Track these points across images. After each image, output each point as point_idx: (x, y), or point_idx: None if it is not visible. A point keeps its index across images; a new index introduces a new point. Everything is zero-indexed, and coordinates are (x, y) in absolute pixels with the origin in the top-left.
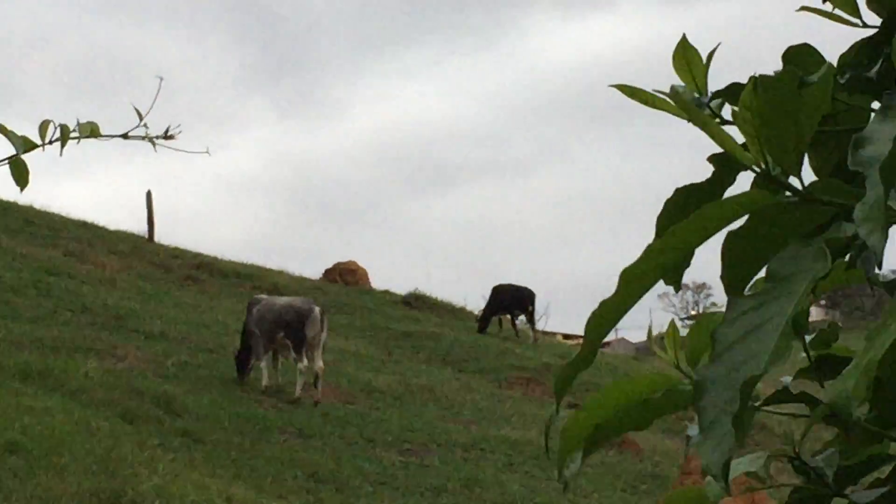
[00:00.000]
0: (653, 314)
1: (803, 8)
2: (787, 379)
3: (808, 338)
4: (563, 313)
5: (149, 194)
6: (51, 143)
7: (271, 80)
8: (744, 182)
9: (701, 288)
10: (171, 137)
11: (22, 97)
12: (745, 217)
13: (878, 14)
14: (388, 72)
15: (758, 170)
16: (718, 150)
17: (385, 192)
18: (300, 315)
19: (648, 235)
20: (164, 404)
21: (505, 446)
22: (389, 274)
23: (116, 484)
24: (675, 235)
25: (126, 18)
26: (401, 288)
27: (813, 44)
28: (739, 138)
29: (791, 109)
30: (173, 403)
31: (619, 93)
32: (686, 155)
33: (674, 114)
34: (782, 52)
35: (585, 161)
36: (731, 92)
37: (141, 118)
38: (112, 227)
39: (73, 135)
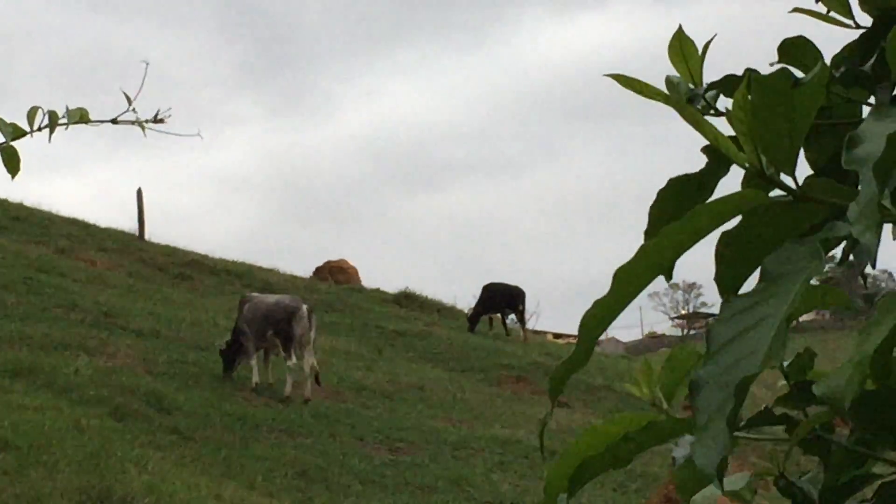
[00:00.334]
0: (643, 313)
1: (796, 9)
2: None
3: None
4: (553, 312)
5: (139, 192)
6: (39, 129)
7: (262, 77)
8: (737, 173)
9: (691, 287)
10: (160, 121)
11: (14, 94)
12: (739, 217)
13: (870, 15)
14: (379, 70)
15: (751, 168)
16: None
17: (376, 191)
18: (288, 313)
19: (639, 235)
20: (154, 402)
21: (495, 445)
22: (380, 272)
23: (106, 481)
24: (669, 235)
25: (117, 15)
26: (391, 286)
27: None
28: (731, 132)
29: (784, 108)
30: (163, 401)
31: (609, 92)
32: (677, 153)
33: (667, 104)
34: (778, 44)
35: (576, 160)
36: (727, 83)
37: (129, 103)
38: (102, 224)
39: (61, 121)
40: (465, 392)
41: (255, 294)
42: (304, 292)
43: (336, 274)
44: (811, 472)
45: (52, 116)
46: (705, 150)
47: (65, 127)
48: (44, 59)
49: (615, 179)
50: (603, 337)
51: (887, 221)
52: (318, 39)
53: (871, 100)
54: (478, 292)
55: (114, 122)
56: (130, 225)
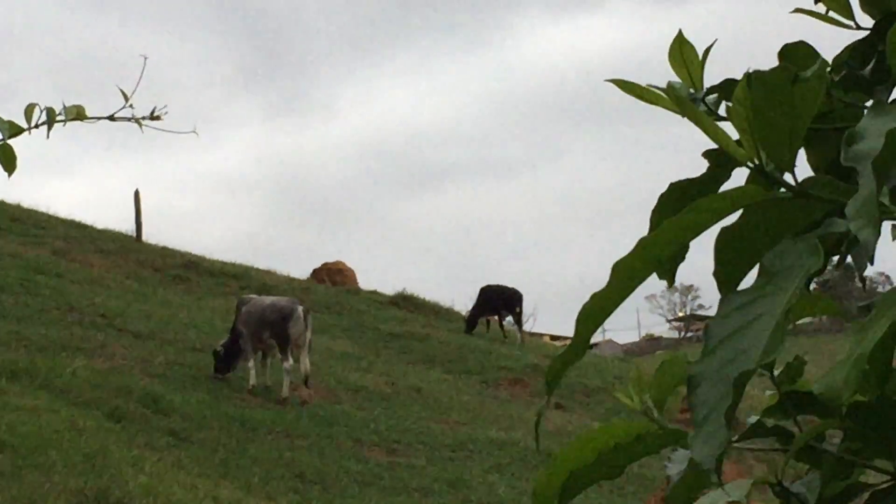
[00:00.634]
0: (640, 315)
1: (797, 10)
2: (753, 418)
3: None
4: (550, 315)
5: (137, 193)
6: (37, 126)
7: (260, 79)
8: (739, 179)
9: (689, 290)
10: (157, 118)
11: (13, 95)
12: (739, 212)
13: (871, 16)
14: (377, 72)
15: (752, 165)
16: (712, 146)
17: (373, 193)
18: (283, 314)
19: (637, 236)
20: (151, 404)
21: (492, 447)
22: (377, 274)
23: (103, 483)
24: (668, 229)
25: (116, 17)
26: (388, 288)
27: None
28: (734, 134)
29: (785, 105)
30: (160, 403)
31: (608, 94)
32: (676, 156)
33: (668, 109)
34: (778, 49)
35: (574, 162)
36: (727, 87)
37: (126, 99)
38: (100, 226)
39: (59, 118)
40: (463, 394)
41: (252, 296)
42: (301, 294)
43: (333, 275)
44: (807, 477)
45: (50, 113)
46: (706, 154)
47: (62, 124)
48: (43, 60)
49: (613, 182)
50: (600, 339)
51: (886, 218)
52: (316, 41)
53: (870, 103)
54: (475, 294)
55: (111, 118)
56: (128, 226)
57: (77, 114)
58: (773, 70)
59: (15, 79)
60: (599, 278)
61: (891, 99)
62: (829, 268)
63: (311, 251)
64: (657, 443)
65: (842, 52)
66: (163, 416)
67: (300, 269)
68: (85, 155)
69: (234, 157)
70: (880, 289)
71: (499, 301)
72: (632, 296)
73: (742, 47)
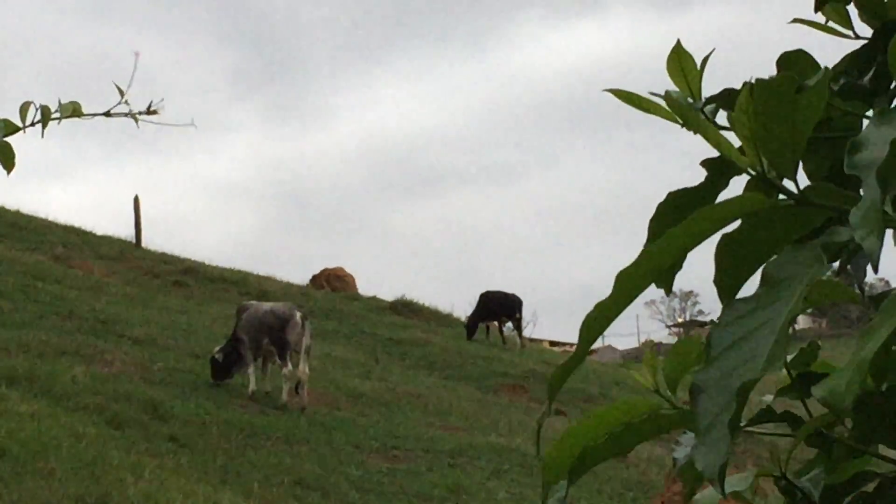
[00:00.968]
0: (640, 322)
1: (796, 20)
2: (769, 398)
3: (788, 357)
4: (550, 321)
5: (136, 199)
6: (32, 125)
7: (259, 85)
8: (737, 187)
9: (688, 296)
10: (153, 112)
11: (11, 101)
12: (740, 220)
13: (870, 25)
14: (376, 78)
15: (753, 172)
16: (709, 154)
17: (372, 199)
18: (281, 320)
19: (635, 243)
20: (150, 409)
21: (492, 453)
22: (377, 280)
23: (103, 489)
24: (671, 238)
25: (113, 22)
26: (388, 294)
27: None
28: (734, 143)
29: (787, 112)
30: (160, 409)
31: (606, 100)
32: (674, 163)
33: (667, 118)
34: (776, 58)
35: (573, 168)
36: (725, 97)
37: (122, 95)
38: (99, 231)
39: (54, 115)
40: (462, 400)
41: (252, 302)
42: (300, 300)
43: (333, 282)
44: (812, 473)
45: (45, 111)
46: (705, 163)
47: (58, 121)
48: (40, 65)
49: (612, 188)
50: (599, 345)
51: (889, 227)
52: (315, 47)
53: (870, 113)
54: (475, 300)
55: (107, 114)
56: (127, 232)
57: (73, 111)
58: (776, 78)
59: (12, 85)
60: (599, 284)
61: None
62: (828, 275)
63: (310, 257)
64: (668, 423)
65: (840, 61)
66: (162, 422)
67: (299, 275)
68: (85, 161)
69: (233, 163)
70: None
71: (499, 307)
72: (631, 302)
73: (740, 57)
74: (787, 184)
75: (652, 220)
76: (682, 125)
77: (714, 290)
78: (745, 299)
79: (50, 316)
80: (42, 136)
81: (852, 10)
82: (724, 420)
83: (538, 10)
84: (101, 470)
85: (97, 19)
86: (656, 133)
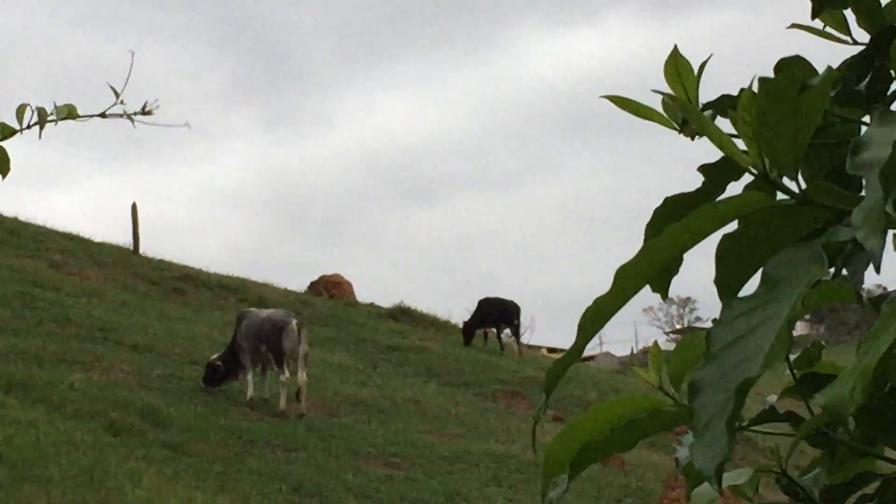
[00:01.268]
0: (638, 328)
1: (794, 25)
2: (773, 398)
3: (792, 357)
4: (547, 327)
5: (134, 206)
6: (29, 127)
7: (257, 91)
8: (733, 193)
9: (686, 302)
10: (148, 113)
11: (7, 108)
12: (741, 220)
13: (867, 31)
14: (374, 84)
15: (755, 171)
16: (706, 161)
17: (370, 205)
18: (277, 327)
19: (633, 249)
20: (148, 416)
21: (489, 460)
22: (375, 287)
23: (101, 496)
24: (671, 235)
25: (111, 29)
26: (386, 301)
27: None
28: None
29: (790, 112)
30: (158, 416)
31: (604, 107)
32: (672, 170)
33: (664, 124)
34: (774, 64)
35: (571, 175)
36: (722, 103)
37: (117, 96)
38: (97, 238)
39: (50, 118)
40: (460, 406)
41: (252, 309)
42: (298, 307)
43: (331, 288)
44: (813, 472)
45: (41, 113)
46: (702, 168)
47: (54, 123)
48: (38, 72)
49: (610, 195)
50: (597, 351)
51: (891, 227)
52: (313, 53)
53: (867, 119)
54: (472, 307)
55: (102, 115)
56: (125, 239)
57: (68, 113)
58: (779, 78)
59: (10, 92)
60: (597, 291)
61: None
62: (825, 279)
63: (308, 264)
64: (671, 419)
65: (837, 67)
66: (160, 429)
67: (298, 282)
68: (82, 168)
69: (231, 170)
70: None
71: (497, 313)
72: (629, 309)
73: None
74: (789, 183)
75: (649, 225)
76: (679, 131)
77: (712, 296)
78: (744, 298)
79: (47, 323)
80: (39, 137)
81: (850, 15)
82: (722, 418)
83: (536, 16)
84: (99, 477)
85: (95, 26)
86: (654, 139)
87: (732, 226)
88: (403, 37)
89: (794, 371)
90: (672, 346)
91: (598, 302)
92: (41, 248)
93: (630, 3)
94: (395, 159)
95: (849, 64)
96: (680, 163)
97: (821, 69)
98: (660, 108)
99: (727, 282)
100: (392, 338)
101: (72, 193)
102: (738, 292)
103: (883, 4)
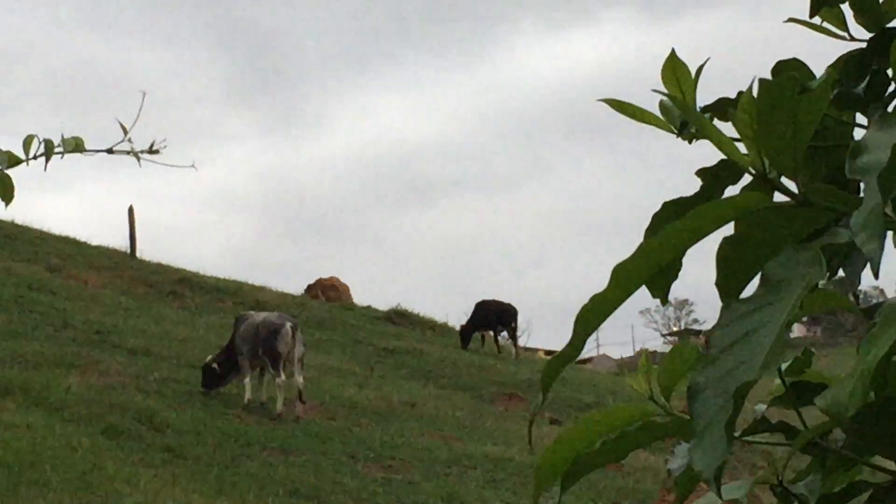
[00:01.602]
0: (635, 330)
1: (791, 20)
2: (762, 407)
3: (783, 365)
4: (544, 330)
5: (131, 209)
6: (35, 158)
7: (254, 95)
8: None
9: (683, 304)
10: (155, 152)
11: (4, 112)
12: (741, 221)
13: (865, 28)
14: (371, 87)
15: (754, 172)
16: (704, 164)
17: (367, 208)
18: (272, 331)
19: (631, 252)
20: (146, 420)
21: (487, 462)
22: (371, 290)
23: (98, 500)
24: (670, 234)
25: (108, 33)
26: (383, 304)
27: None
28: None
29: (790, 113)
30: (155, 419)
31: (602, 109)
32: (670, 172)
33: (661, 127)
34: (771, 67)
35: (568, 178)
36: (720, 106)
37: (125, 133)
38: (94, 242)
39: (57, 149)
40: (457, 409)
41: (250, 312)
42: (295, 309)
43: (328, 291)
44: (808, 479)
45: (48, 145)
46: (700, 173)
47: (60, 156)
48: (36, 76)
49: (607, 197)
50: (594, 353)
51: (890, 229)
52: (310, 57)
53: (863, 121)
54: (469, 309)
55: (109, 151)
56: (122, 243)
57: (76, 146)
58: (779, 79)
59: (8, 96)
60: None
61: None
62: (822, 282)
63: (305, 267)
64: (663, 430)
65: (833, 63)
66: (158, 433)
67: (294, 285)
68: (79, 171)
69: (227, 173)
70: (874, 302)
71: (494, 316)
72: (626, 311)
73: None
74: (788, 185)
75: (648, 230)
76: (677, 134)
77: (709, 298)
78: (743, 300)
79: (45, 327)
80: (45, 169)
81: (847, 11)
82: (721, 421)
83: (531, 19)
84: (97, 481)
85: (92, 30)
86: (652, 142)
87: (730, 227)
88: (400, 39)
89: (784, 379)
90: (669, 349)
91: (595, 300)
92: (38, 251)
93: (626, 6)
94: (391, 162)
95: (845, 63)
96: (678, 164)
97: (817, 69)
98: (657, 112)
99: (729, 284)
100: (389, 340)
101: (69, 197)
102: (739, 294)
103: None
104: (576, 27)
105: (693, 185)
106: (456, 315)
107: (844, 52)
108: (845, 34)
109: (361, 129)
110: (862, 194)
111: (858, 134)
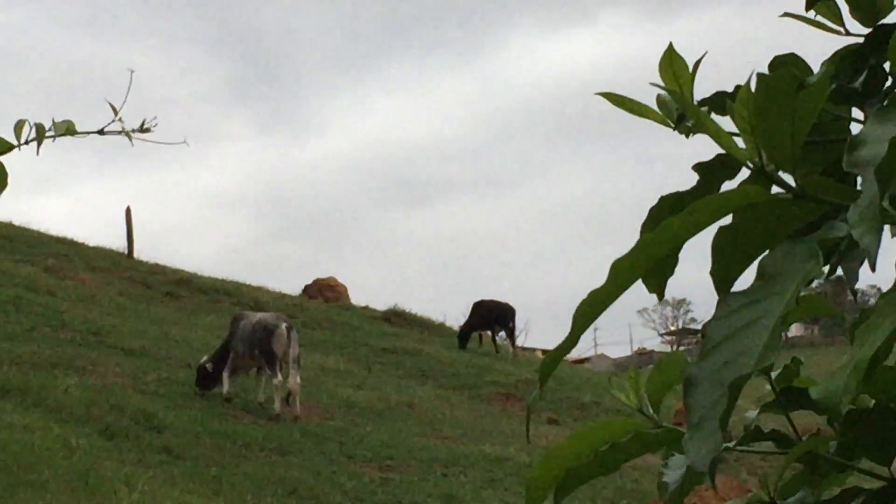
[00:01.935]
0: (633, 330)
1: (786, 14)
2: (752, 413)
3: (773, 374)
4: (542, 330)
5: (128, 210)
6: (27, 143)
7: (250, 95)
8: None
9: (681, 303)
10: (147, 130)
11: (3, 109)
12: (738, 212)
13: (861, 23)
14: (368, 87)
15: (752, 165)
16: (701, 160)
17: (365, 208)
18: (267, 331)
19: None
20: (143, 421)
21: (485, 462)
22: (369, 290)
23: (96, 501)
24: (667, 227)
25: (106, 33)
26: (380, 304)
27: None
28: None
29: (787, 106)
30: (153, 420)
31: (599, 108)
32: (668, 170)
33: (659, 121)
34: (768, 63)
35: (566, 177)
36: (717, 101)
37: (115, 113)
38: (91, 243)
39: (48, 133)
40: (455, 409)
41: (246, 312)
42: (293, 310)
43: (325, 292)
44: (800, 494)
45: (39, 129)
46: (696, 167)
47: (52, 139)
48: (32, 77)
49: (605, 196)
50: (592, 353)
51: (887, 222)
52: (307, 57)
53: (859, 116)
54: (467, 309)
55: (101, 132)
56: (119, 243)
57: (67, 129)
58: (777, 73)
59: (6, 97)
60: None
61: None
62: (819, 280)
63: (302, 267)
64: (654, 441)
65: (830, 58)
66: (155, 434)
67: (292, 285)
68: (76, 172)
69: (225, 173)
70: (872, 301)
71: (492, 316)
72: (624, 311)
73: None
74: (786, 178)
75: (644, 225)
76: (674, 128)
77: (706, 297)
78: (740, 293)
79: (42, 328)
80: (37, 153)
81: (843, 6)
82: (716, 413)
83: (529, 18)
84: (94, 482)
85: (90, 31)
86: (649, 140)
87: (728, 220)
88: (397, 39)
89: (775, 386)
90: (667, 348)
91: (593, 294)
92: (36, 252)
93: (623, 5)
94: (389, 162)
95: (841, 58)
96: (674, 164)
97: (814, 64)
98: (655, 106)
99: (724, 274)
100: (387, 340)
101: (66, 198)
102: (733, 284)
103: None
104: (572, 26)
105: (690, 181)
106: (454, 315)
107: (840, 46)
108: (841, 29)
109: (358, 128)
110: (859, 187)
111: (855, 129)
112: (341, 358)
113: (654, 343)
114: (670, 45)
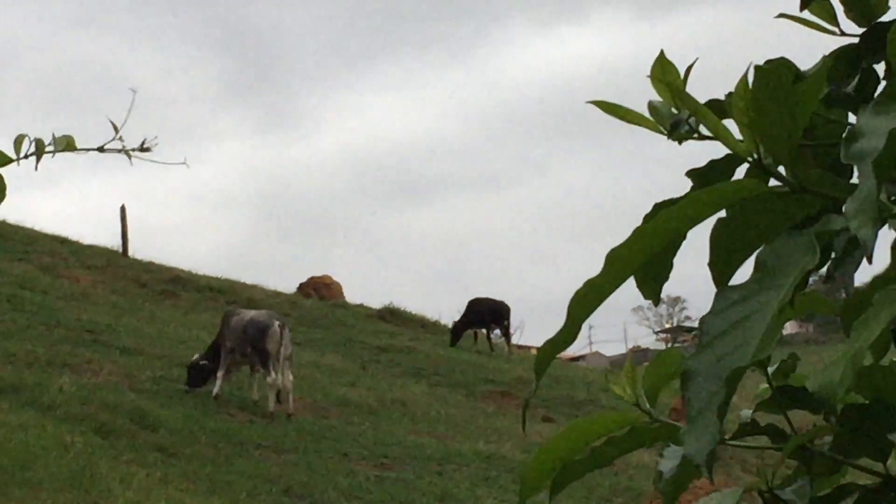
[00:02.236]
0: (628, 328)
1: (781, 15)
2: (747, 412)
3: (770, 369)
4: (537, 328)
5: (123, 209)
6: (26, 157)
7: (245, 93)
8: None
9: (675, 301)
10: (146, 150)
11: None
12: (736, 205)
13: (856, 23)
14: (363, 85)
15: (750, 159)
16: (694, 166)
17: (359, 206)
18: (260, 329)
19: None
20: (138, 419)
21: (479, 460)
22: (364, 288)
23: (91, 499)
24: (665, 219)
25: (100, 32)
26: (375, 302)
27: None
28: (720, 154)
29: (785, 100)
30: (148, 418)
31: (593, 106)
32: (661, 169)
33: (651, 129)
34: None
35: (560, 175)
36: (709, 108)
37: (116, 131)
38: (86, 241)
39: (48, 149)
40: (450, 407)
41: (239, 309)
42: (288, 308)
43: (320, 289)
44: (797, 484)
45: (39, 144)
46: (690, 173)
47: (51, 155)
48: (28, 76)
49: (599, 194)
50: (586, 351)
51: (885, 216)
52: (301, 55)
53: (853, 120)
54: (462, 307)
55: (100, 150)
56: (114, 242)
57: (67, 145)
58: (774, 66)
59: (4, 97)
60: None
61: None
62: (814, 279)
63: (297, 265)
64: (649, 436)
65: (824, 58)
66: (150, 432)
67: (287, 283)
68: (71, 170)
69: (220, 172)
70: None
71: (487, 314)
72: (619, 308)
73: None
74: (784, 172)
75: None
76: (668, 136)
77: (702, 295)
78: (737, 287)
79: (37, 326)
80: (36, 169)
81: (837, 7)
82: (714, 406)
83: (523, 16)
84: (89, 480)
85: (84, 29)
86: (643, 140)
87: (724, 213)
88: (391, 37)
89: (771, 383)
90: (662, 346)
91: (589, 285)
92: (30, 250)
93: (617, 3)
94: (383, 160)
95: (835, 59)
96: (670, 163)
97: (807, 66)
98: (647, 113)
99: (721, 266)
100: (381, 338)
101: (60, 196)
102: (731, 277)
103: None
104: (566, 24)
105: (686, 181)
106: (448, 313)
107: (835, 47)
108: (836, 29)
109: (353, 126)
110: (856, 180)
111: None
112: (336, 356)
113: (649, 341)
114: (661, 52)
